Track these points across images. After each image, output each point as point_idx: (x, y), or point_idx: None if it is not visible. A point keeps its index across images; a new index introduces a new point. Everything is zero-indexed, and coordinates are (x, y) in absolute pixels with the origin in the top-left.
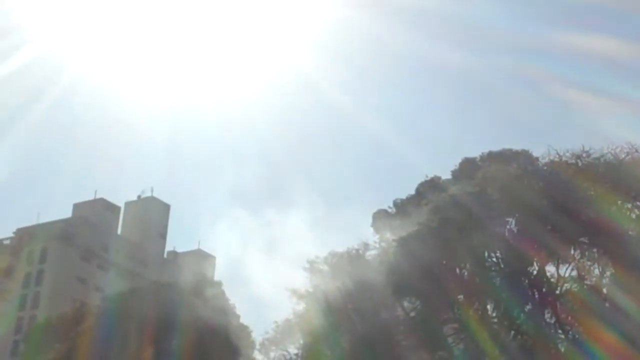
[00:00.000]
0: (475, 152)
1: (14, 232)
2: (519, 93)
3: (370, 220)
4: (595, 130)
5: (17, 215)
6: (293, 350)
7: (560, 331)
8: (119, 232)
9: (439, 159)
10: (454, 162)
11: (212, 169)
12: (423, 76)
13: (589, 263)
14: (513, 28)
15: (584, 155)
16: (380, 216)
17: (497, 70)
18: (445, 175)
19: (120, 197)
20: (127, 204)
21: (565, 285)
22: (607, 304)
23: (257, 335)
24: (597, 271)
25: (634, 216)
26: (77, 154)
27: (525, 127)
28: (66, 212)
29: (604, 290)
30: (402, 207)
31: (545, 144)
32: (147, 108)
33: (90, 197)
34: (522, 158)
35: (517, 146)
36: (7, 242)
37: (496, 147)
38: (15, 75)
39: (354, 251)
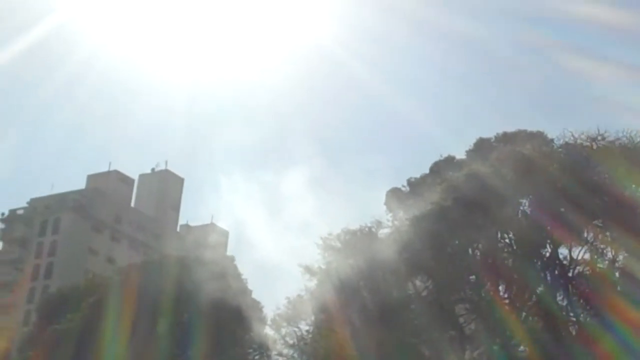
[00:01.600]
0: (492, 127)
1: (27, 203)
2: (543, 67)
3: (382, 193)
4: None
5: (31, 186)
6: (304, 326)
7: (572, 314)
8: (132, 204)
9: (452, 132)
10: (469, 136)
11: (229, 144)
12: (442, 48)
13: (602, 246)
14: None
15: (599, 137)
16: (393, 194)
17: (522, 45)
18: (460, 153)
19: (134, 169)
20: (142, 176)
21: (578, 267)
22: (619, 288)
23: (268, 311)
24: (610, 254)
25: None
26: (93, 126)
27: (546, 104)
28: (80, 184)
29: (617, 274)
30: (416, 185)
31: (564, 123)
32: (163, 82)
33: (105, 169)
34: (536, 139)
35: (537, 124)
36: (21, 212)
37: (516, 124)
38: (35, 47)
39: (366, 229)
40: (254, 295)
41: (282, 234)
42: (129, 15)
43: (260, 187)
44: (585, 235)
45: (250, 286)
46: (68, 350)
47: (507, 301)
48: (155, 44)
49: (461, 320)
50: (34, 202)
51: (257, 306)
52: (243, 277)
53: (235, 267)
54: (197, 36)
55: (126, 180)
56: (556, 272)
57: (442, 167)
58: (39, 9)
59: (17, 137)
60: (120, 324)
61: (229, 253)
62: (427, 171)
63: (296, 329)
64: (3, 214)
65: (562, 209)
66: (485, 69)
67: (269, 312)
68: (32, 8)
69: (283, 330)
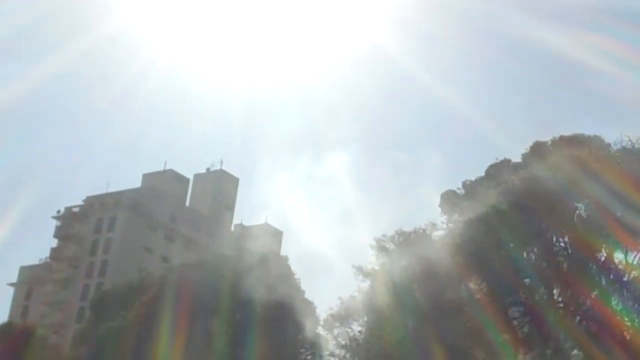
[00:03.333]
0: (549, 130)
1: (83, 200)
2: (607, 72)
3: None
4: None
5: (87, 184)
6: (357, 327)
7: (626, 318)
8: (187, 203)
9: (509, 135)
10: (526, 139)
11: (285, 144)
12: (500, 49)
13: None
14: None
15: None
16: (448, 197)
17: (582, 47)
18: (516, 156)
19: (190, 169)
20: (196, 176)
21: (633, 272)
22: None
23: (321, 311)
24: None
25: None
26: (149, 127)
27: (608, 107)
28: (136, 183)
29: None
30: (471, 188)
31: (624, 127)
32: (220, 83)
33: (160, 168)
34: (594, 143)
35: (596, 127)
36: (76, 209)
37: (574, 127)
38: (96, 49)
39: (421, 231)
40: (307, 295)
41: (330, 224)
42: (187, 18)
43: (311, 182)
44: None
45: (303, 287)
46: (121, 347)
47: (561, 305)
48: (212, 47)
49: (515, 323)
50: (89, 200)
51: (309, 306)
52: (296, 276)
53: (289, 267)
54: (254, 37)
55: (181, 180)
56: (611, 276)
57: (498, 170)
58: (99, 11)
59: (75, 136)
60: (174, 322)
61: (282, 253)
62: (482, 173)
63: (349, 330)
64: (59, 211)
65: (619, 214)
66: (545, 71)
67: (321, 312)
68: (92, 12)
69: (335, 331)
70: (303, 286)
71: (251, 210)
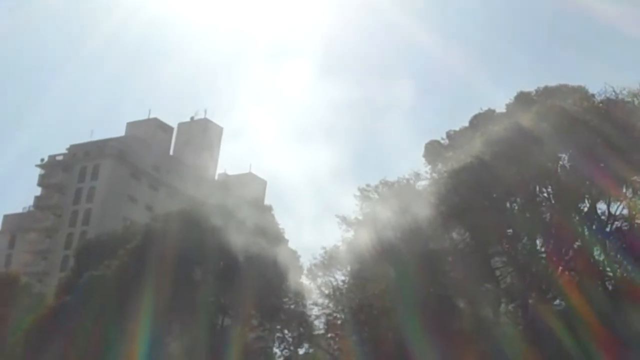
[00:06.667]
0: (534, 80)
1: (67, 149)
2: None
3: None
4: None
5: (71, 132)
6: (340, 276)
7: (608, 269)
8: (171, 152)
9: (493, 84)
10: (510, 89)
11: (268, 93)
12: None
13: None
14: None
15: None
16: (432, 147)
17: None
18: (500, 107)
19: (174, 117)
20: (180, 124)
21: (616, 223)
22: None
23: (305, 260)
24: None
25: None
26: (134, 75)
27: (593, 57)
28: (120, 131)
29: None
30: (455, 138)
31: (608, 76)
32: (204, 31)
33: (144, 117)
34: (578, 94)
35: (582, 77)
36: (60, 158)
37: (559, 77)
38: None
39: (404, 181)
40: (290, 245)
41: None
42: None
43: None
44: (624, 190)
45: (287, 236)
46: (104, 296)
47: (544, 255)
48: None
49: (497, 273)
50: (73, 149)
51: (293, 255)
52: (280, 226)
53: (273, 216)
54: None
55: (165, 129)
56: (594, 227)
57: (481, 120)
58: None
59: (58, 85)
60: (158, 271)
61: (266, 202)
62: (463, 121)
63: (332, 279)
64: (42, 159)
65: (602, 164)
66: (531, 21)
67: (305, 261)
68: None
69: (319, 280)
70: (287, 235)
71: (235, 159)
